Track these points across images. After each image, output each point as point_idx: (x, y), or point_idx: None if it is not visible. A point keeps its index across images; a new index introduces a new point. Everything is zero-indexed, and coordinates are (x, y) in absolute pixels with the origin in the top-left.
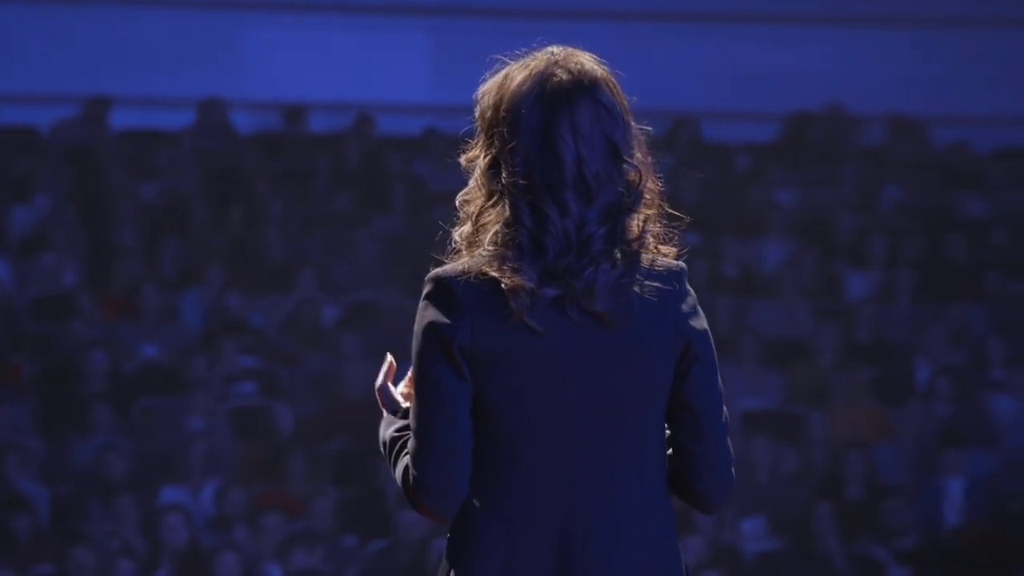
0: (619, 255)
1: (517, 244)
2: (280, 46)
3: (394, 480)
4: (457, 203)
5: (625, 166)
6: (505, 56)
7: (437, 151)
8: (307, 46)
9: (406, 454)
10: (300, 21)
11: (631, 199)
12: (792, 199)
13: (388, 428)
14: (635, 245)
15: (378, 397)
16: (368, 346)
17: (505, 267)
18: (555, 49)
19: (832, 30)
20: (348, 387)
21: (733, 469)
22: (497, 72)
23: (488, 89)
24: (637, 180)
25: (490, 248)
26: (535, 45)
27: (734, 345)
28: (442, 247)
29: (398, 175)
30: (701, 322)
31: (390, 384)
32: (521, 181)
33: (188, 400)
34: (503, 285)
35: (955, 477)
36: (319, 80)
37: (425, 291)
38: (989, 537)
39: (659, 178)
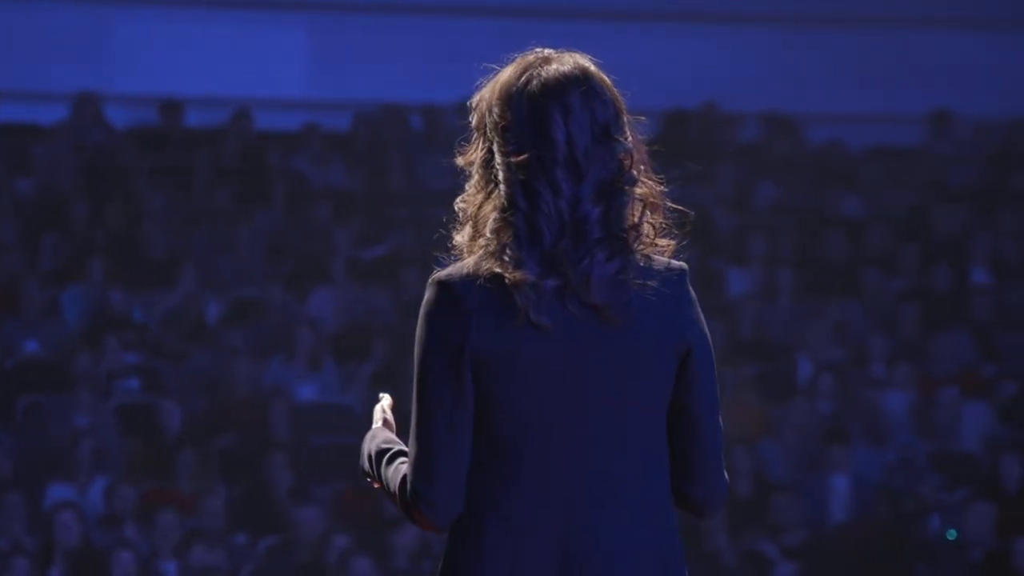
0: (616, 246)
1: (514, 229)
2: (156, 40)
3: (386, 490)
4: (456, 208)
5: (616, 146)
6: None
7: (316, 146)
8: (183, 40)
9: (401, 462)
10: (175, 15)
11: (623, 179)
12: (670, 196)
13: (372, 442)
14: (632, 234)
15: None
16: (252, 342)
17: (506, 259)
18: (545, 50)
19: (708, 28)
20: (234, 384)
21: (726, 475)
22: (486, 80)
23: (480, 91)
24: (629, 161)
25: (489, 237)
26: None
27: None
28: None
29: (278, 171)
30: (702, 326)
31: (387, 408)
32: (513, 162)
33: (72, 397)
34: (507, 280)
35: (840, 473)
36: (195, 74)
37: (427, 296)
38: (876, 533)
39: (660, 176)
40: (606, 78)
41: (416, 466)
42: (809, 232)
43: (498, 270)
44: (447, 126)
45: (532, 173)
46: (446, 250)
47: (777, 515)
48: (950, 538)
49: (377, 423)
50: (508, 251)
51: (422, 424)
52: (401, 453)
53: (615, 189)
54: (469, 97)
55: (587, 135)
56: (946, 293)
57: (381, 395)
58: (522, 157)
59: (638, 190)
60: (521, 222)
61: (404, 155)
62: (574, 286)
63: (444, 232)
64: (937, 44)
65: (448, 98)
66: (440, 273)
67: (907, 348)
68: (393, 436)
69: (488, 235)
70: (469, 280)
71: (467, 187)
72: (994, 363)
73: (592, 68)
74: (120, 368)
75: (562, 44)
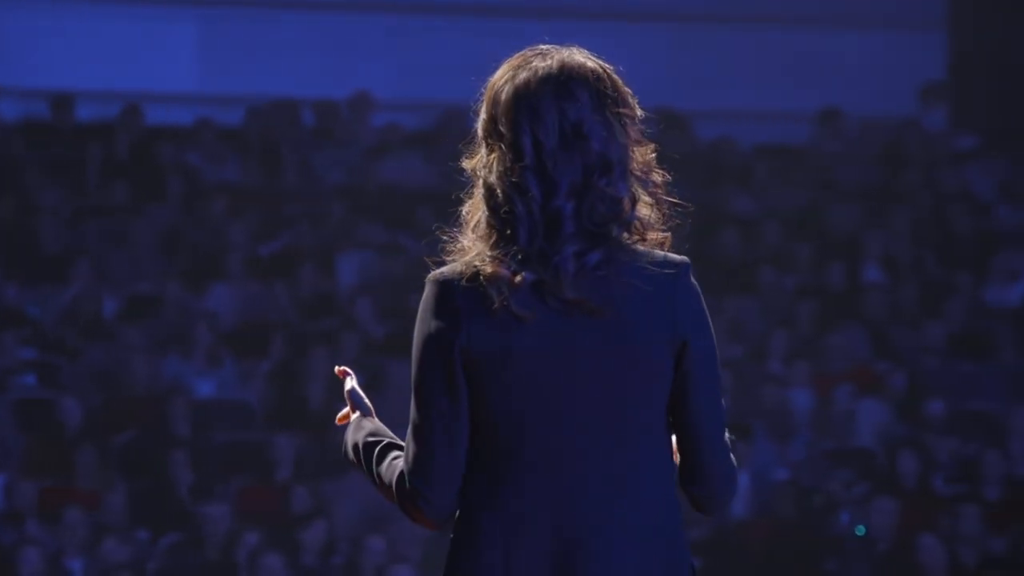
0: (595, 241)
1: (493, 231)
2: (46, 33)
3: (376, 483)
4: (462, 213)
5: (590, 144)
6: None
7: (209, 142)
8: (73, 34)
9: (395, 457)
10: (65, 8)
11: (599, 179)
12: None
13: (358, 432)
14: (615, 229)
15: (348, 400)
16: (149, 338)
17: (486, 256)
18: (541, 47)
19: (598, 25)
20: (132, 380)
21: (734, 472)
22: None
23: (484, 93)
24: (605, 161)
25: (472, 237)
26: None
27: None
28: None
29: (171, 166)
30: (702, 320)
31: (357, 387)
32: (497, 169)
33: None
34: (481, 276)
35: (741, 470)
36: (86, 68)
37: (424, 295)
38: (782, 529)
39: (663, 168)
40: (594, 74)
41: (414, 464)
42: (703, 229)
43: (478, 264)
44: (340, 121)
45: (504, 175)
46: (347, 244)
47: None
48: (859, 534)
49: (354, 412)
50: (489, 250)
51: (420, 422)
52: (392, 446)
53: (589, 186)
54: (360, 92)
55: (554, 138)
56: (840, 291)
57: (340, 370)
58: (494, 159)
59: (629, 183)
60: (499, 223)
61: (297, 150)
62: (551, 283)
63: (342, 227)
64: (826, 42)
65: (340, 93)
66: (432, 274)
67: (804, 345)
68: (379, 425)
69: (472, 235)
70: (458, 279)
71: (472, 191)
72: (888, 360)
73: (575, 65)
74: (16, 364)
75: (447, 39)
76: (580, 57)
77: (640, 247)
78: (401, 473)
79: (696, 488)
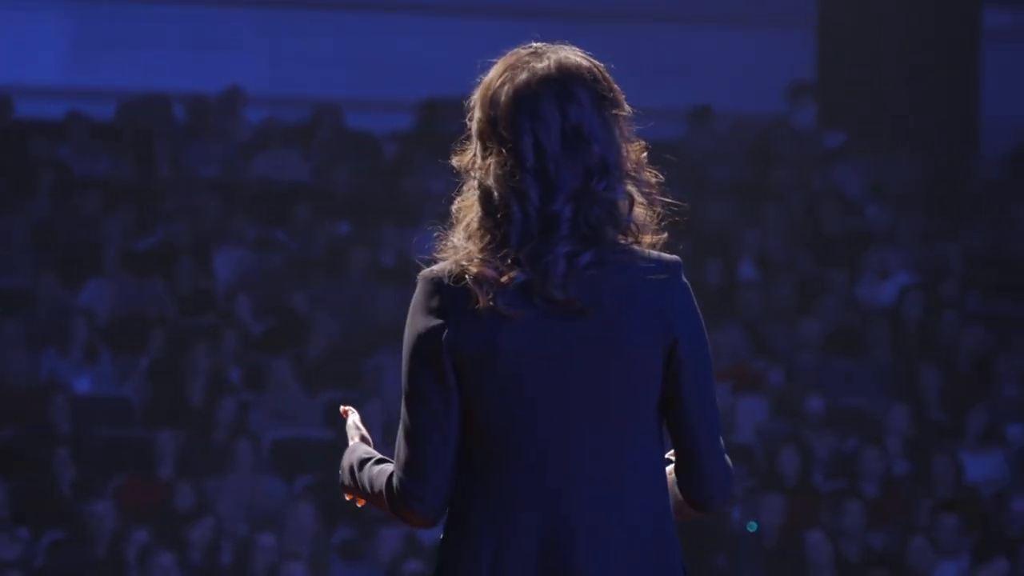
0: (587, 242)
1: (486, 233)
2: None
3: (369, 494)
4: (452, 209)
5: (591, 147)
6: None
7: (81, 136)
8: None
9: (385, 465)
10: None
11: (598, 183)
12: (442, 188)
13: (352, 455)
14: (609, 232)
15: (350, 432)
16: (25, 334)
17: (474, 257)
18: (536, 45)
19: (470, 20)
20: (9, 376)
21: (731, 472)
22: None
23: (477, 90)
24: (605, 163)
25: (462, 238)
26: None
27: (396, 335)
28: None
29: (42, 160)
30: (694, 320)
31: (359, 422)
32: (487, 167)
33: None
34: (468, 276)
35: None
36: None
37: (415, 293)
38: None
39: (656, 169)
40: (592, 74)
41: (405, 462)
42: None
43: (465, 264)
44: (212, 116)
45: (503, 179)
46: (223, 240)
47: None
48: (751, 530)
49: (354, 439)
50: (479, 251)
51: (411, 420)
52: (382, 460)
53: (588, 191)
54: (232, 86)
55: (556, 140)
56: (716, 288)
57: (344, 409)
58: (493, 166)
59: (625, 185)
60: (492, 226)
61: (170, 145)
62: (538, 284)
63: (218, 222)
64: (696, 40)
65: (212, 88)
66: (423, 272)
67: None
68: (372, 449)
69: (464, 235)
70: (447, 277)
71: (464, 189)
72: (765, 357)
73: (573, 65)
74: None
75: (319, 34)
76: (576, 57)
77: (634, 248)
78: (391, 475)
79: (693, 489)
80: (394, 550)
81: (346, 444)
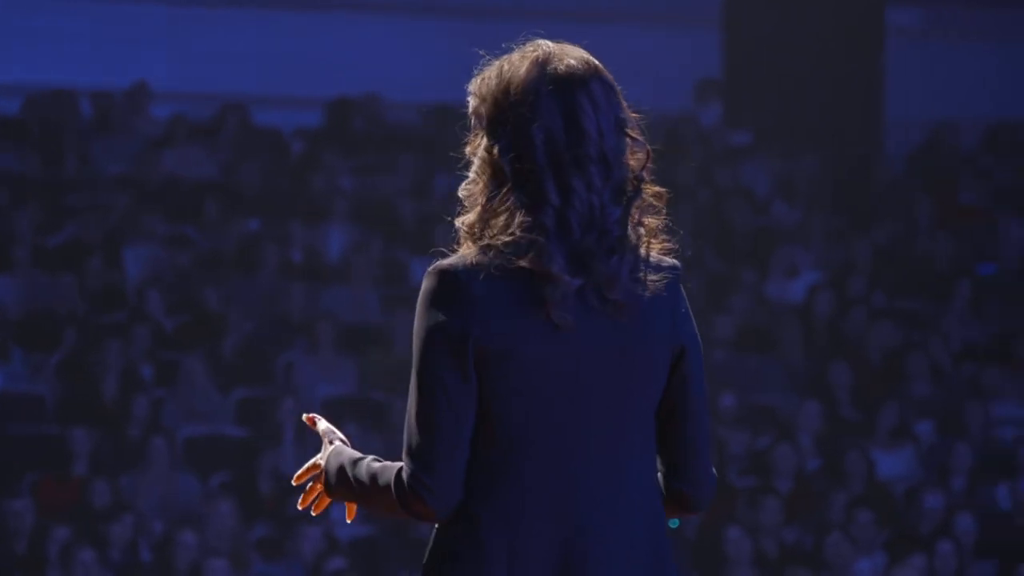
0: (629, 244)
1: (541, 227)
2: None
3: (369, 492)
4: (460, 195)
5: (634, 144)
6: (484, 53)
7: None
8: None
9: (386, 464)
10: None
11: (637, 180)
12: (351, 185)
13: (339, 457)
14: (638, 234)
15: (324, 437)
16: None
17: (535, 255)
18: (544, 42)
19: (378, 16)
20: None
21: (715, 474)
22: (486, 68)
23: (485, 81)
24: (644, 159)
25: (511, 236)
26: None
27: (308, 331)
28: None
29: None
30: (694, 324)
31: (329, 425)
32: (545, 159)
33: None
34: (539, 275)
35: None
36: None
37: (427, 285)
38: None
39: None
40: (609, 76)
41: (417, 454)
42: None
43: (523, 264)
44: (118, 112)
45: (566, 170)
46: (133, 236)
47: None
48: (672, 527)
49: (332, 442)
50: (536, 247)
51: (425, 412)
52: (377, 460)
53: (632, 187)
54: (138, 82)
55: (612, 130)
56: None
57: (309, 417)
58: (556, 155)
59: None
60: (551, 219)
61: (77, 141)
62: (598, 283)
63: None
64: (604, 37)
65: (118, 83)
66: (442, 263)
67: None
68: (355, 451)
69: (514, 231)
70: (476, 271)
71: (469, 174)
72: None
73: (597, 63)
74: None
75: (224, 31)
76: (588, 55)
77: (650, 253)
78: (400, 469)
79: (687, 487)
80: (316, 548)
81: (262, 443)
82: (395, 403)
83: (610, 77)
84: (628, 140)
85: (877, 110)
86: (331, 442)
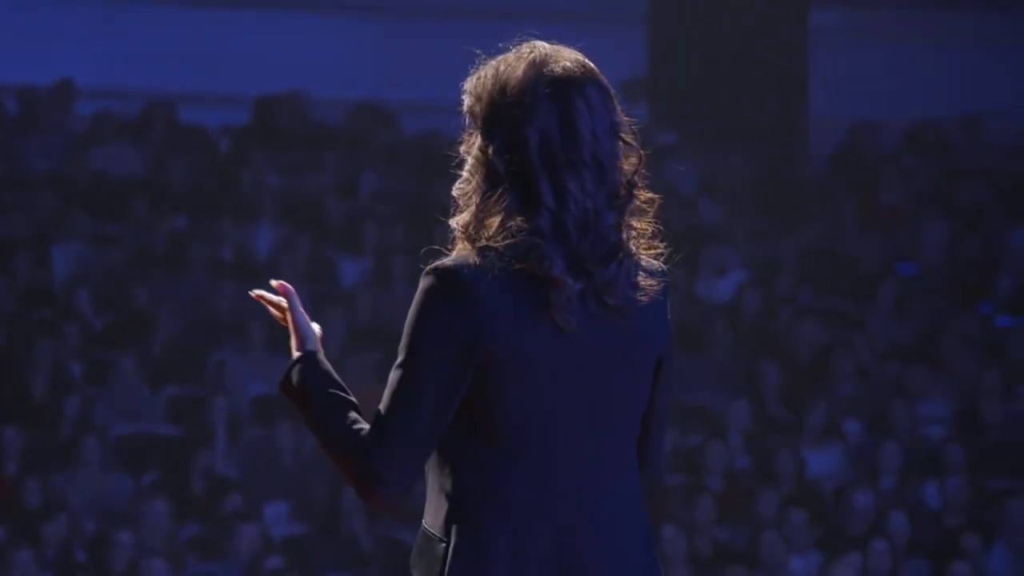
0: (625, 248)
1: (537, 229)
2: None
3: (321, 438)
4: (454, 194)
5: (628, 148)
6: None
7: None
8: None
9: (354, 424)
10: None
11: (630, 184)
12: (278, 183)
13: (313, 373)
14: (632, 237)
15: (293, 328)
16: None
17: (535, 258)
18: (540, 43)
19: (298, 16)
20: None
21: (665, 470)
22: (481, 68)
23: (481, 80)
24: (637, 164)
25: (507, 237)
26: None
27: (239, 330)
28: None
29: None
30: (670, 327)
31: (303, 311)
32: (540, 160)
33: None
34: (544, 277)
35: None
36: None
37: (429, 284)
38: None
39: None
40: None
41: (382, 444)
42: (418, 221)
43: (523, 267)
44: (44, 109)
45: (560, 172)
46: (61, 234)
47: (413, 501)
48: None
49: (301, 342)
50: (534, 249)
51: (406, 406)
52: (350, 405)
53: (626, 192)
54: (64, 79)
55: (607, 134)
56: None
57: (279, 284)
58: (550, 157)
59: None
60: (547, 222)
61: (3, 139)
62: (598, 287)
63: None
64: (527, 35)
65: (43, 80)
66: (443, 263)
67: None
68: (334, 374)
69: (511, 232)
70: (479, 273)
71: (463, 173)
72: None
73: (592, 66)
74: None
75: (149, 28)
76: (586, 59)
77: (642, 257)
78: (363, 446)
79: (650, 486)
80: (252, 547)
81: (194, 442)
82: None
83: (605, 81)
84: (621, 144)
85: (800, 110)
86: (302, 341)
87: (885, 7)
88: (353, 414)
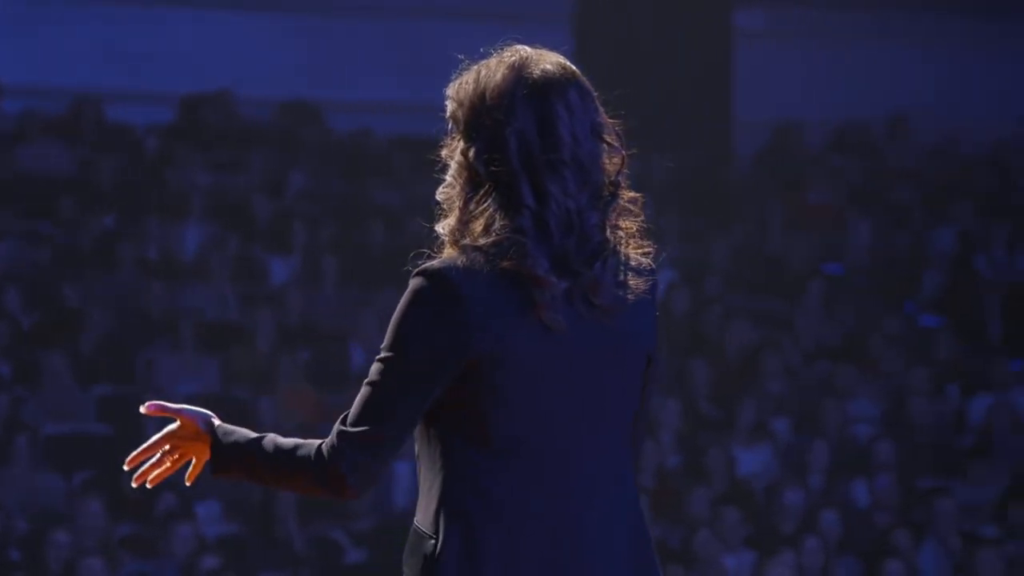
0: (610, 247)
1: (520, 228)
2: None
3: (276, 472)
4: (438, 199)
5: (610, 149)
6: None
7: None
8: None
9: (295, 443)
10: None
11: (615, 186)
12: (206, 182)
13: (229, 436)
14: (616, 237)
15: (181, 418)
16: None
17: (518, 257)
18: (521, 47)
19: (224, 13)
20: None
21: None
22: (464, 73)
23: (463, 86)
24: (620, 164)
25: (491, 238)
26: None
27: (169, 329)
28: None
29: None
30: (657, 325)
31: (181, 406)
32: (520, 162)
33: None
34: (528, 276)
35: (401, 460)
36: None
37: (418, 286)
38: None
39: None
40: (586, 81)
41: (363, 435)
42: (347, 221)
43: (509, 267)
44: None
45: (540, 174)
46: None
47: (345, 501)
48: None
49: (193, 423)
50: (517, 248)
51: (386, 401)
52: (275, 441)
53: (609, 192)
54: None
55: (587, 135)
56: None
57: (150, 406)
58: (530, 158)
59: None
60: (529, 222)
61: None
62: (584, 287)
63: None
64: (457, 35)
65: None
66: (431, 264)
67: None
68: (240, 429)
69: (494, 233)
70: (466, 274)
71: (446, 178)
72: None
73: (574, 69)
74: None
75: (75, 25)
76: (565, 60)
77: (630, 256)
78: (321, 445)
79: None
80: (188, 546)
81: (125, 441)
82: (259, 400)
83: (587, 83)
84: (604, 146)
85: (726, 111)
86: (193, 418)
87: (808, 7)
88: (288, 443)
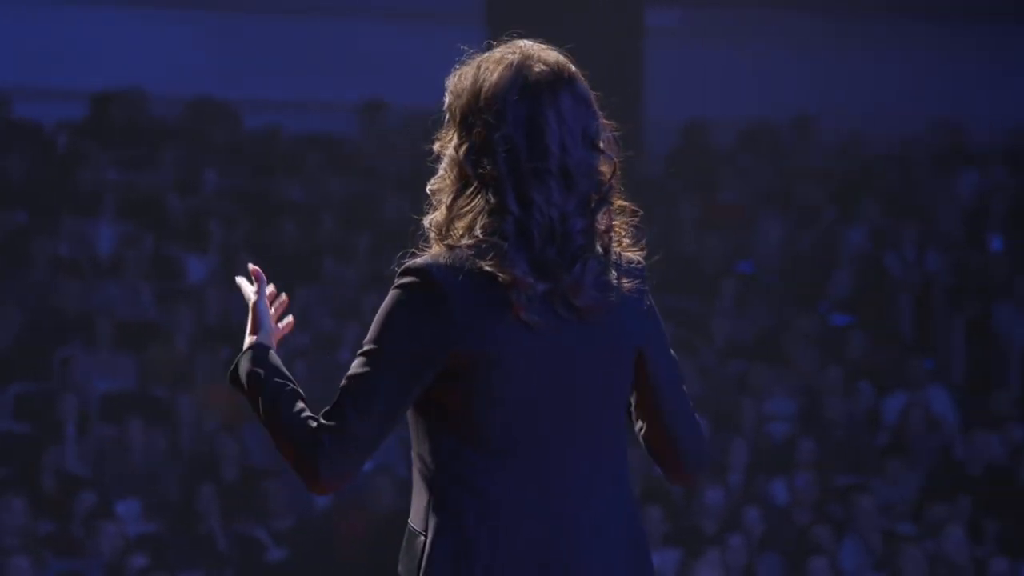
0: (596, 249)
1: (502, 232)
2: None
3: (270, 425)
4: (428, 191)
5: (602, 157)
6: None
7: None
8: None
9: (301, 412)
10: None
11: (605, 192)
12: (117, 179)
13: (262, 364)
14: (607, 239)
15: (252, 315)
16: None
17: (497, 260)
18: (523, 43)
19: (138, 11)
20: None
21: (704, 439)
22: (464, 65)
23: (461, 79)
24: (611, 172)
25: (473, 238)
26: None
27: (84, 327)
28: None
29: None
30: (657, 319)
31: (266, 303)
32: (506, 168)
33: None
34: (500, 279)
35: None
36: None
37: (403, 282)
38: (372, 520)
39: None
40: (584, 79)
41: (346, 432)
42: (259, 219)
43: (488, 268)
44: None
45: (525, 181)
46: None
47: (266, 500)
48: None
49: (255, 331)
50: (497, 251)
51: (368, 397)
52: (297, 395)
53: (600, 200)
54: None
55: (578, 144)
56: None
57: (254, 270)
58: (516, 164)
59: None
60: (512, 227)
61: None
62: (564, 290)
63: None
64: (368, 34)
65: None
66: (416, 262)
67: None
68: (281, 365)
69: (477, 234)
70: (451, 273)
71: (439, 170)
72: None
73: (574, 69)
74: None
75: (8, 24)
76: (567, 59)
77: (620, 255)
78: (311, 436)
79: (682, 464)
80: (113, 545)
81: (43, 439)
82: (176, 398)
83: (584, 86)
84: (596, 152)
85: (636, 110)
86: (256, 330)
87: (720, 7)
88: (300, 404)
